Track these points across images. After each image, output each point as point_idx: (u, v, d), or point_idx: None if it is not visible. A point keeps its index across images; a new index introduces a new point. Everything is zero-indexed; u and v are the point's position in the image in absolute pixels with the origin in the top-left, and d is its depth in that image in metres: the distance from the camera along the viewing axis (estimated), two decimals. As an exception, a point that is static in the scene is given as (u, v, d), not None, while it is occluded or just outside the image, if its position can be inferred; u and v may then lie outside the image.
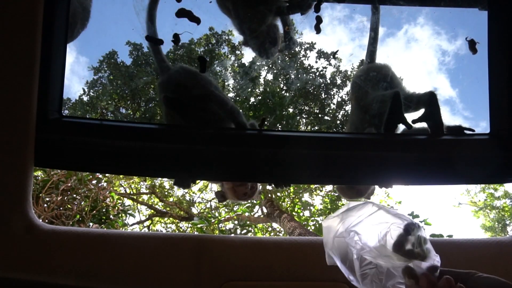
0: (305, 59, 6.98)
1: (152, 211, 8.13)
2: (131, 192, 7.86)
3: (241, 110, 1.41)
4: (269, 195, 7.38)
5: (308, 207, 7.95)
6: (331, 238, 0.77)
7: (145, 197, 8.22)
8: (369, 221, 0.74)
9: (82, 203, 5.23)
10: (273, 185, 1.27)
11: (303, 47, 6.86)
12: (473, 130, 1.35)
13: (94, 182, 5.36)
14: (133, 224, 7.57)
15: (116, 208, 5.90)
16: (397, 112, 1.35)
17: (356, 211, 0.76)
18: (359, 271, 0.73)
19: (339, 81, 7.20)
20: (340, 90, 7.21)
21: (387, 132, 1.33)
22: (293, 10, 1.51)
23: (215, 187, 8.26)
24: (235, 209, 6.98)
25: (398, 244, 0.72)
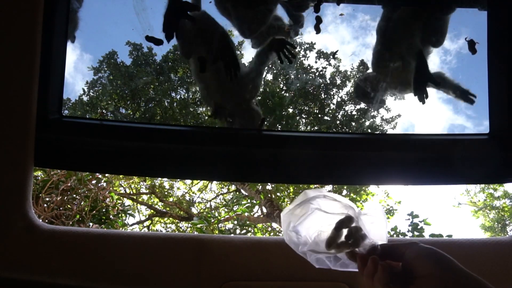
0: (305, 59, 6.98)
1: (152, 211, 8.13)
2: (131, 192, 7.86)
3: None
4: (269, 195, 7.38)
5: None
6: (285, 230, 0.85)
7: (145, 197, 8.22)
8: (307, 222, 0.82)
9: (82, 203, 5.23)
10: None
11: (303, 47, 6.86)
12: (473, 100, 1.36)
13: (94, 182, 5.35)
14: (133, 224, 7.58)
15: (116, 208, 5.90)
16: (423, 70, 1.32)
17: (301, 209, 0.84)
18: (310, 258, 0.82)
19: (339, 81, 7.20)
20: (340, 90, 7.21)
21: (418, 92, 1.29)
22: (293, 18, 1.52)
23: (215, 187, 8.27)
24: (234, 209, 6.97)
25: (329, 241, 0.79)
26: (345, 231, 0.79)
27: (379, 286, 0.71)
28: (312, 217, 0.82)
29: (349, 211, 0.81)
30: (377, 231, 0.80)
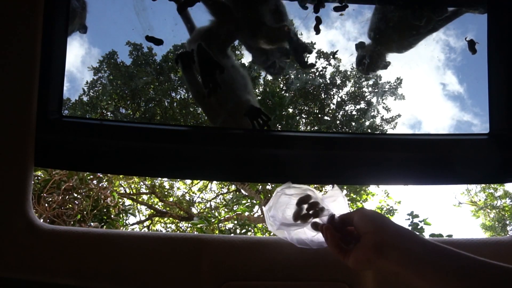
0: (304, 59, 6.96)
1: (152, 211, 8.13)
2: (131, 192, 7.87)
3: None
4: (269, 195, 7.38)
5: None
6: (267, 221, 1.04)
7: (145, 197, 8.22)
8: (276, 205, 1.01)
9: (84, 203, 5.23)
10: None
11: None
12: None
13: (95, 182, 5.35)
14: (133, 224, 7.58)
15: (117, 207, 5.89)
16: None
17: (272, 200, 1.03)
18: (290, 238, 1.01)
19: (339, 81, 7.20)
20: (340, 90, 7.21)
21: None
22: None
23: (215, 187, 8.27)
24: (234, 208, 6.98)
25: (295, 214, 0.99)
26: (305, 206, 0.99)
27: (332, 247, 0.89)
28: (279, 200, 1.02)
29: (308, 192, 1.00)
30: (338, 207, 0.99)
